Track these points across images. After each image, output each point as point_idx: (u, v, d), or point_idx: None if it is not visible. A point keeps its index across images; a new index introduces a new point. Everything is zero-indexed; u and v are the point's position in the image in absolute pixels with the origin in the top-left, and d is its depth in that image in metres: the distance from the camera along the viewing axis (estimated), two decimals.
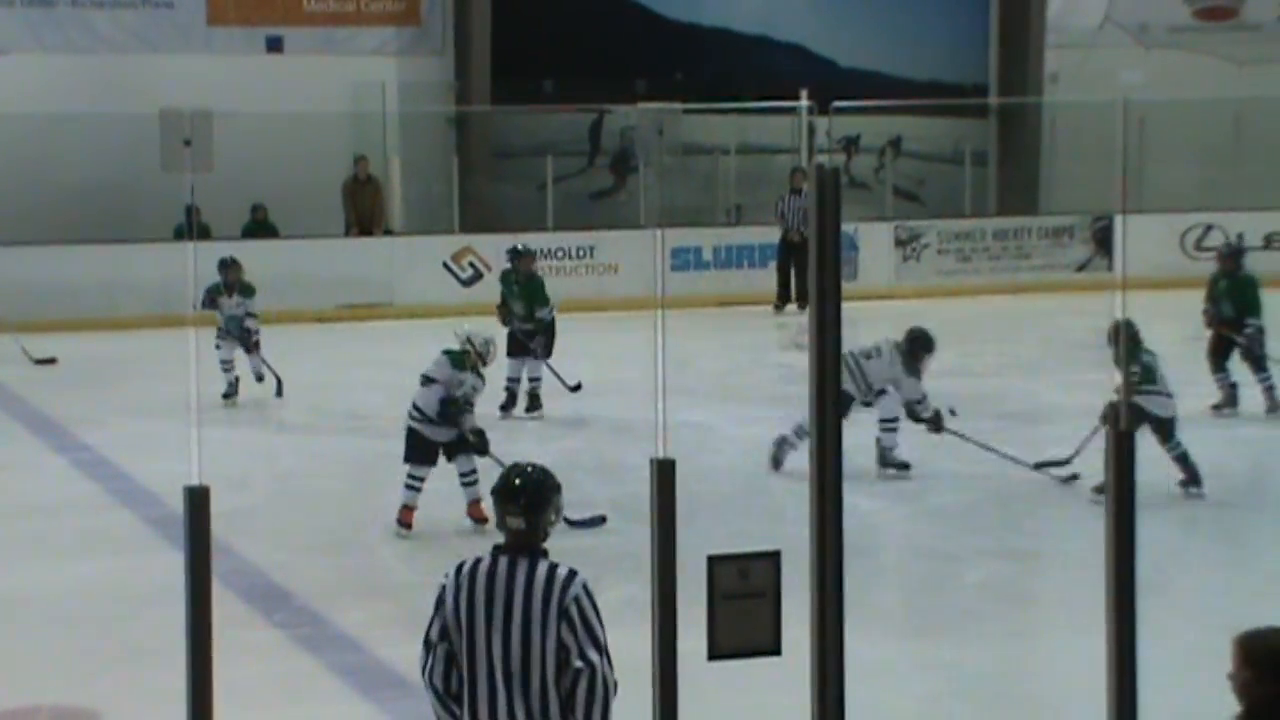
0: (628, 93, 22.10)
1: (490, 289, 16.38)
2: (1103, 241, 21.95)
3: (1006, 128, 24.43)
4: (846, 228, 19.61)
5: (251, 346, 14.68)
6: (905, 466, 11.81)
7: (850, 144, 23.70)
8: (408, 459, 10.51)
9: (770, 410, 13.84)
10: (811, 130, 22.55)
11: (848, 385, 11.51)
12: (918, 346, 12.07)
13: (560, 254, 20.91)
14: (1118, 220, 21.07)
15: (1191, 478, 10.95)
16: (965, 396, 15.31)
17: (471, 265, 20.45)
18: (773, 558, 4.23)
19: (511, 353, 13.96)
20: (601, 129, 23.42)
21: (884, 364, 11.93)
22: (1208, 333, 13.78)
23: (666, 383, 4.71)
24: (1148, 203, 21.26)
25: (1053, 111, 23.61)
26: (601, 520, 10.33)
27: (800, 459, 10.95)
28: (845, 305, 4.11)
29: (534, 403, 14.04)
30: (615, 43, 23.26)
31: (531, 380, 14.12)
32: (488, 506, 9.76)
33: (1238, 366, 13.78)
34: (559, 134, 23.07)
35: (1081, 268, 22.03)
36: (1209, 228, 22.12)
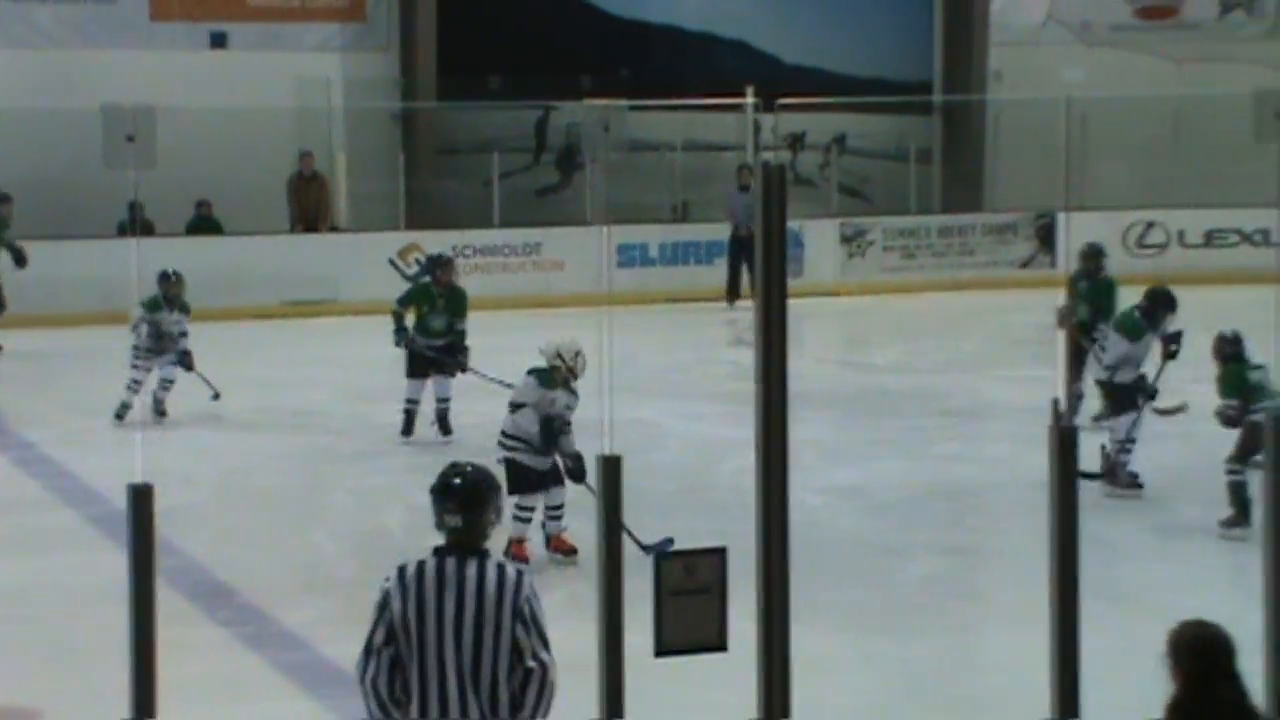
0: (573, 89, 22.08)
1: None
2: (1045, 238, 22.09)
3: (951, 125, 24.55)
4: (792, 225, 19.63)
5: (190, 364, 13.69)
6: (1138, 485, 11.33)
7: (796, 141, 23.77)
8: (512, 491, 9.33)
9: (717, 406, 13.90)
10: (757, 127, 22.60)
11: (1098, 373, 11.44)
12: (1159, 305, 11.74)
13: (506, 251, 20.90)
14: (1060, 217, 21.22)
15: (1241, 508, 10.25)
16: (909, 392, 15.43)
17: (417, 262, 20.40)
18: (719, 554, 4.24)
19: (415, 372, 13.11)
20: (547, 125, 23.41)
21: (1116, 336, 11.67)
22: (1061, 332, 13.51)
23: (613, 380, 4.72)
24: (1090, 200, 21.39)
25: (996, 109, 23.73)
26: (670, 543, 9.35)
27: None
28: (791, 302, 4.13)
29: (445, 426, 13.07)
30: (561, 39, 23.25)
31: (441, 402, 13.12)
32: (569, 536, 9.64)
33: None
34: (505, 130, 23.05)
35: (1025, 264, 22.16)
36: (1150, 224, 22.29)
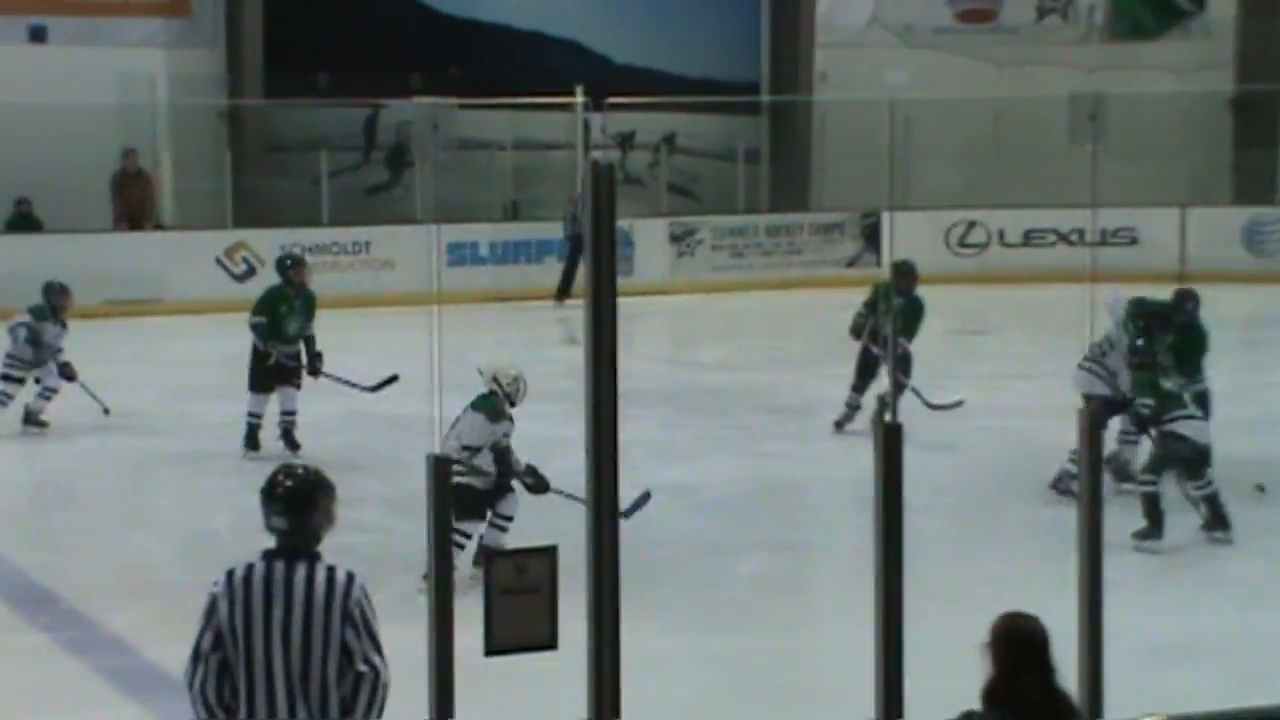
0: (403, 87, 21.98)
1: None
2: (871, 238, 22.40)
3: (778, 125, 24.79)
4: (622, 224, 19.76)
5: (73, 375, 13.23)
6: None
7: (625, 140, 23.86)
8: (457, 517, 8.84)
9: (548, 405, 13.87)
10: (587, 126, 22.65)
11: (1099, 388, 11.01)
12: (1155, 326, 11.22)
13: (335, 249, 20.72)
14: (885, 217, 21.53)
15: (1220, 521, 10.13)
16: (738, 390, 15.56)
17: (245, 261, 20.17)
18: (549, 553, 4.26)
19: (260, 385, 12.45)
20: (377, 124, 23.26)
21: (1116, 355, 11.34)
22: (856, 343, 13.14)
23: (443, 379, 4.72)
24: (914, 200, 21.75)
25: (822, 110, 24.01)
26: (646, 497, 9.66)
27: None
28: (620, 301, 4.17)
29: (292, 441, 12.44)
30: (390, 37, 23.11)
31: (286, 415, 12.48)
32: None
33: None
34: (334, 128, 22.86)
35: (851, 263, 22.44)
36: (971, 224, 22.70)
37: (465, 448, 9.29)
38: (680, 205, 23.59)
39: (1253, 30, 24.18)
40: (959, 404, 12.50)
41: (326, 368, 12.64)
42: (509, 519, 9.38)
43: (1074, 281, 16.70)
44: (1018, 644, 4.51)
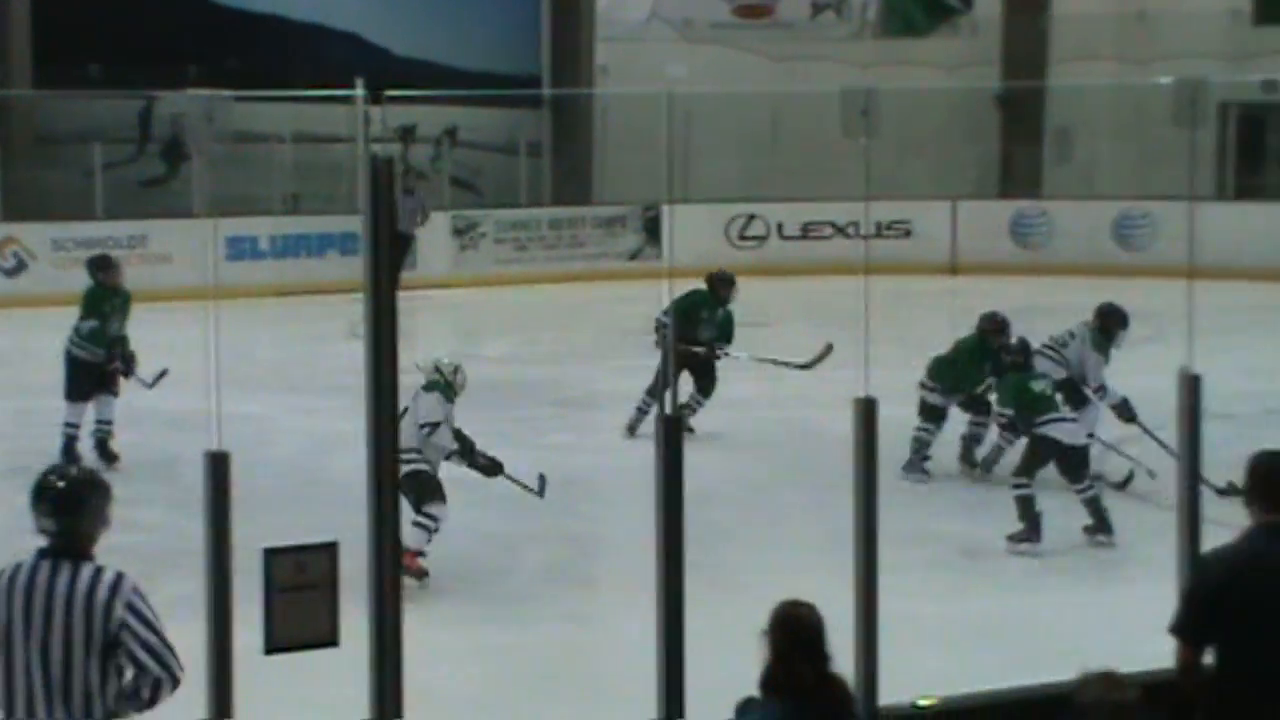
0: (179, 79, 21.57)
1: (39, 279, 15.78)
2: (652, 231, 22.56)
3: (560, 119, 24.84)
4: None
5: None
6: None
7: (407, 133, 23.72)
8: (425, 500, 9.26)
9: (330, 400, 13.78)
10: (368, 119, 22.46)
11: (1054, 373, 11.16)
12: (1112, 323, 11.62)
13: (110, 243, 20.20)
14: (666, 210, 21.71)
15: (1101, 525, 10.12)
16: (522, 384, 15.57)
17: (15, 255, 19.66)
18: (330, 549, 4.25)
19: (76, 394, 11.93)
20: (151, 116, 22.82)
21: (1077, 346, 11.60)
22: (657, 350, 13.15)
23: (222, 374, 4.67)
24: (694, 193, 21.95)
25: (604, 103, 24.12)
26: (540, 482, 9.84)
27: None
28: (403, 294, 4.17)
29: (107, 453, 11.95)
30: (165, 28, 22.68)
31: (102, 425, 12.01)
32: (424, 562, 9.16)
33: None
34: (107, 120, 22.38)
35: (634, 256, 22.59)
36: (751, 217, 22.98)
37: (424, 425, 9.36)
38: (462, 199, 23.52)
39: (1017, 28, 24.84)
40: (829, 349, 12.53)
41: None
42: (435, 519, 9.29)
43: (850, 273, 17.04)
44: (792, 631, 4.61)
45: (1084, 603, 9.24)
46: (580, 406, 14.47)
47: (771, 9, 25.51)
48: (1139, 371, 11.06)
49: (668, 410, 5.25)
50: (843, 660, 4.76)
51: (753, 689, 4.65)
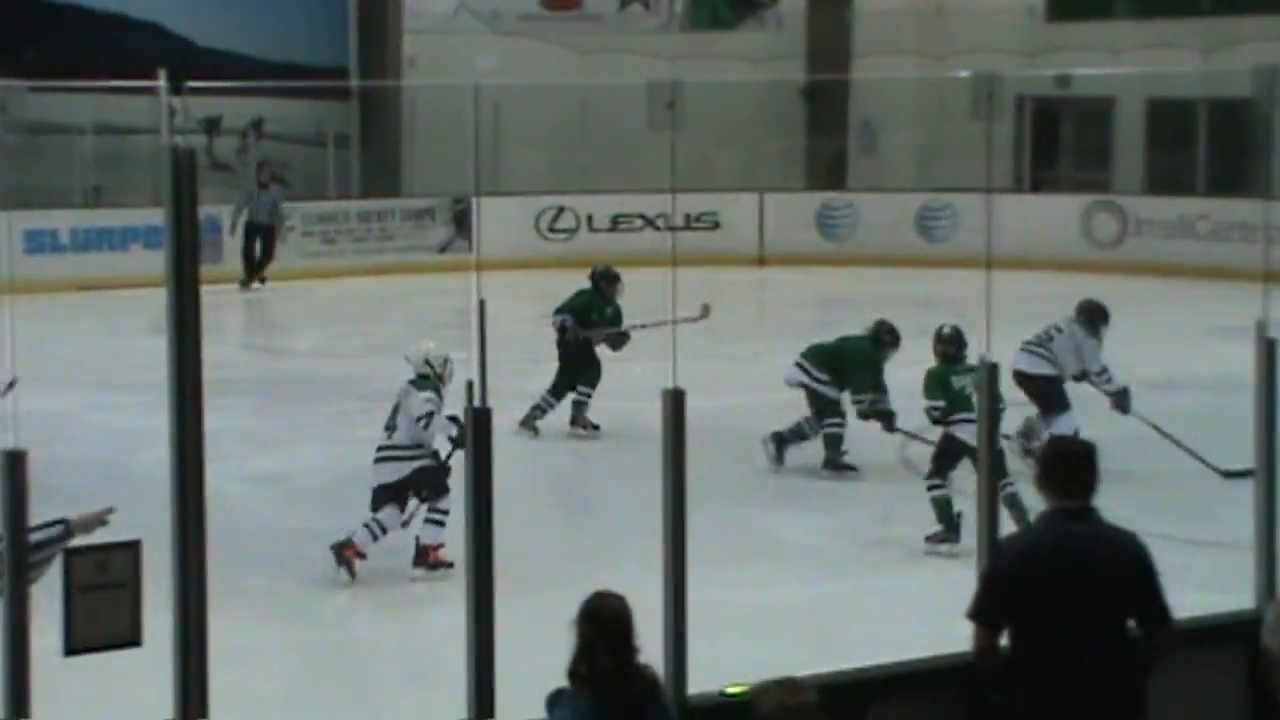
0: None
1: None
2: (462, 223, 22.49)
3: (368, 110, 24.64)
4: (210, 210, 19.31)
5: None
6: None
7: (212, 125, 23.37)
8: (436, 495, 9.34)
9: (134, 396, 13.55)
10: (171, 111, 22.08)
11: (1044, 369, 11.25)
12: (1097, 317, 11.62)
13: None
14: (475, 202, 21.64)
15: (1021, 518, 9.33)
16: (331, 377, 15.45)
17: None
18: (132, 547, 4.19)
19: None
20: None
21: (1067, 339, 11.54)
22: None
23: (19, 370, 4.58)
24: (504, 185, 21.92)
25: (412, 95, 23.98)
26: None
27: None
28: (207, 288, 4.12)
29: None
30: None
31: None
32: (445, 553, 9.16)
33: None
34: None
35: (443, 249, 22.49)
36: (561, 209, 23.01)
37: (420, 418, 9.34)
38: None
39: (821, 22, 25.16)
40: (705, 311, 12.51)
41: None
42: (447, 512, 9.23)
43: (660, 265, 17.11)
44: (598, 622, 4.65)
45: (888, 589, 9.41)
46: (389, 400, 14.35)
47: (580, 2, 25.56)
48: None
49: (477, 403, 5.23)
50: (657, 650, 4.82)
51: (564, 680, 4.68)
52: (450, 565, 9.08)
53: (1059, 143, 25.15)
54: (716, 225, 22.83)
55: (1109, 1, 22.90)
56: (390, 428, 9.56)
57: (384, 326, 18.68)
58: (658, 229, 22.59)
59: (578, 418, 12.69)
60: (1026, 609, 5.00)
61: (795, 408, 11.73)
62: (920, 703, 5.53)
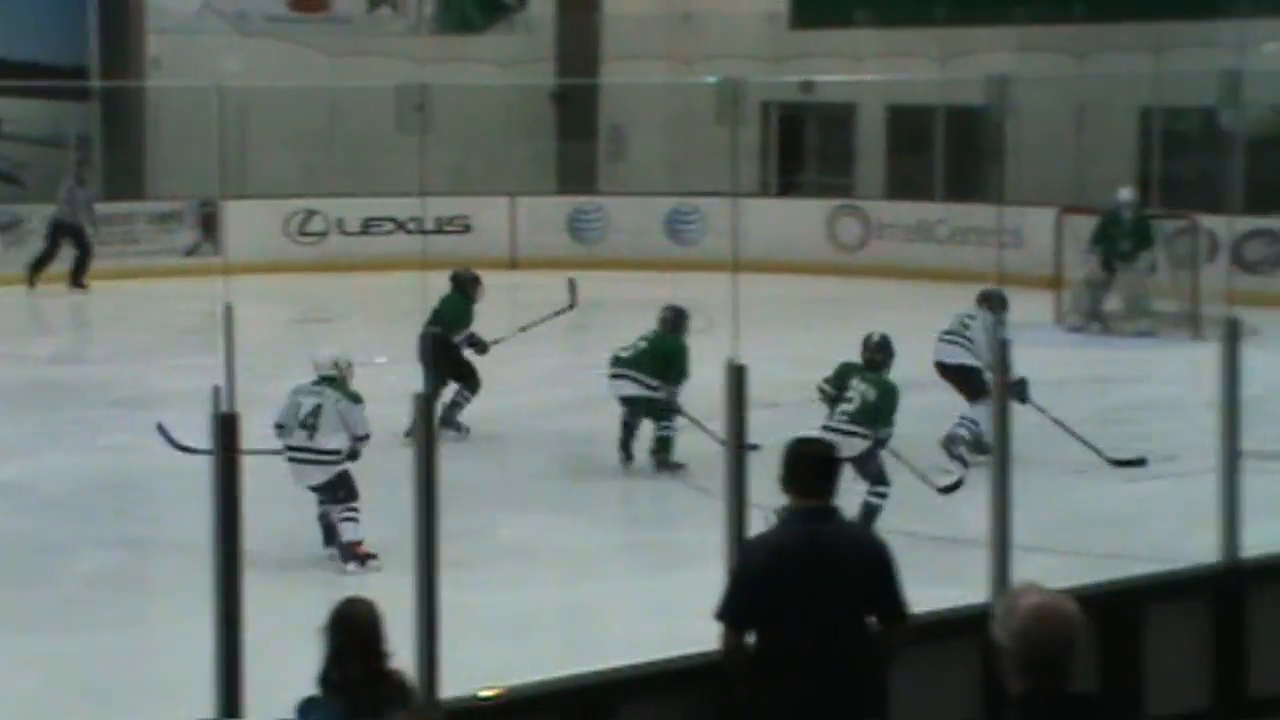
0: None
1: None
2: (209, 226, 22.12)
3: (110, 111, 24.07)
4: None
5: None
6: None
7: None
8: (352, 497, 9.71)
9: None
10: None
11: (964, 358, 11.34)
12: (997, 305, 11.65)
13: None
14: (221, 205, 21.32)
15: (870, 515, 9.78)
16: (75, 384, 15.10)
17: None
18: None
19: None
20: None
21: (980, 327, 11.52)
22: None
23: None
24: (252, 188, 21.62)
25: (156, 96, 23.50)
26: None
27: None
28: None
29: None
30: None
31: None
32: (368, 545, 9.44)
33: None
34: None
35: (190, 252, 22.10)
36: (311, 213, 22.77)
37: (359, 438, 9.79)
38: (7, 193, 22.62)
39: (570, 26, 25.29)
40: (573, 290, 12.86)
41: None
42: (358, 510, 9.67)
43: (411, 268, 17.07)
44: (346, 628, 4.64)
45: (638, 590, 9.51)
46: (136, 406, 14.09)
47: (328, 3, 25.32)
48: (694, 362, 11.43)
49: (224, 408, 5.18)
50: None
51: (314, 688, 4.66)
52: (375, 556, 9.44)
53: (803, 148, 25.61)
54: (468, 229, 22.81)
55: (850, 9, 23.34)
56: (309, 428, 9.75)
57: (130, 332, 18.32)
58: (409, 232, 22.49)
59: (449, 419, 12.44)
60: (772, 608, 5.10)
61: (547, 414, 11.77)
62: (671, 703, 5.61)
